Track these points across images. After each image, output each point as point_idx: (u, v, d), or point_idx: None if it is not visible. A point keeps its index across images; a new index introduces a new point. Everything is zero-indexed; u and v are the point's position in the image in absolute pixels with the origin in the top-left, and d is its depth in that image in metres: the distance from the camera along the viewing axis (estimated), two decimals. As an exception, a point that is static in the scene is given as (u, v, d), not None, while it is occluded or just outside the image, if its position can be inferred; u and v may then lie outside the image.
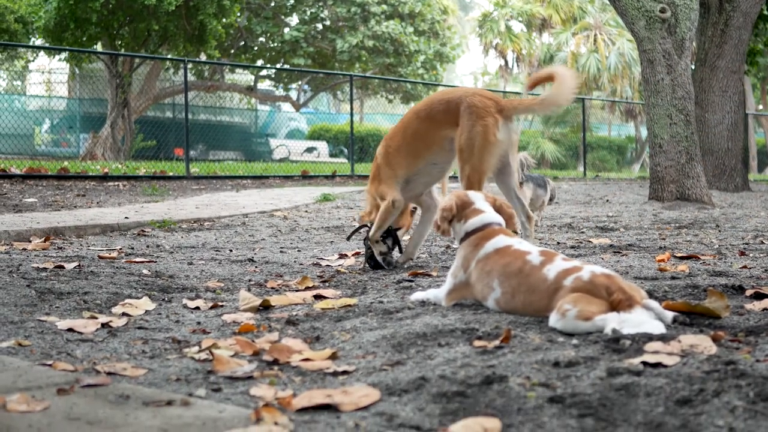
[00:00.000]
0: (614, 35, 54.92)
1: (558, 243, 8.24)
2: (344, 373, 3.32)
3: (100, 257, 7.02)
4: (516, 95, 45.52)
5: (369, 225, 6.72)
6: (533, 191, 10.32)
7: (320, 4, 42.01)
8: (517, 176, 11.00)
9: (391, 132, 6.78)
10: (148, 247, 8.08)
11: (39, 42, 34.19)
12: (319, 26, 43.05)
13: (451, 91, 6.83)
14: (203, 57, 34.56)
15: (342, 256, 7.34)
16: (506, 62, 60.59)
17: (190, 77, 38.22)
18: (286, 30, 42.79)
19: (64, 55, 33.00)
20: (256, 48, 43.22)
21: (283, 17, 43.68)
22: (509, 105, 6.45)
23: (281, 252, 7.79)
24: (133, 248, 7.91)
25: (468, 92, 6.54)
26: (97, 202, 12.68)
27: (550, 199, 10.86)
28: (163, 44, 31.22)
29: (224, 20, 31.25)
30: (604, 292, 3.79)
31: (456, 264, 4.55)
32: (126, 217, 10.66)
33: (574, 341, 3.55)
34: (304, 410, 2.85)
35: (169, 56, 30.62)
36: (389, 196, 6.51)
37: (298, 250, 7.96)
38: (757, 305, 4.40)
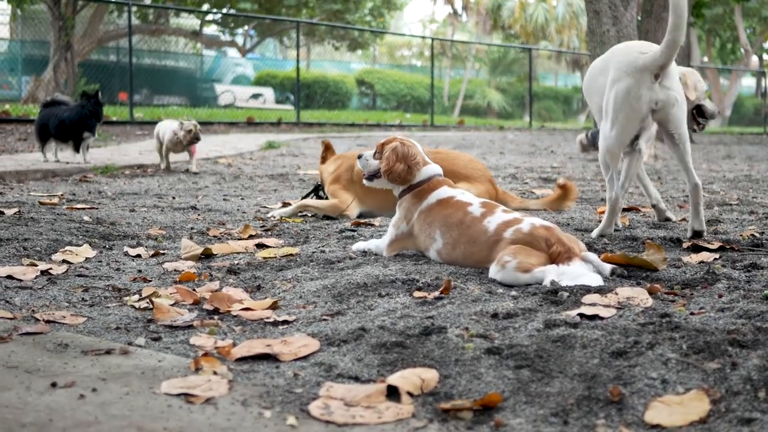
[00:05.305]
0: (563, -15, 54.88)
1: (501, 193, 8.27)
2: (284, 323, 3.33)
3: (41, 203, 6.95)
4: (463, 44, 45.51)
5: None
6: None
7: (268, -52, 41.42)
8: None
9: None
10: (90, 193, 8.01)
11: (-21, -18, 33.54)
12: (267, -29, 42.47)
13: None
14: (148, 0, 34.05)
15: (285, 204, 7.32)
16: (455, 10, 60.39)
17: (135, 20, 37.67)
18: (233, -26, 42.20)
19: (5, -5, 32.29)
20: (202, -9, 42.60)
21: (230, -39, 43.04)
22: None
23: (224, 200, 7.76)
24: (74, 194, 7.84)
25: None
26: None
27: None
28: (107, -14, 30.67)
29: (170, -38, 30.76)
30: (543, 244, 3.83)
31: (398, 215, 4.56)
32: (68, 162, 10.55)
33: (513, 293, 3.59)
34: (243, 360, 2.86)
35: (113, -1, 30.07)
36: None
37: (242, 198, 7.92)
38: (693, 258, 4.48)
